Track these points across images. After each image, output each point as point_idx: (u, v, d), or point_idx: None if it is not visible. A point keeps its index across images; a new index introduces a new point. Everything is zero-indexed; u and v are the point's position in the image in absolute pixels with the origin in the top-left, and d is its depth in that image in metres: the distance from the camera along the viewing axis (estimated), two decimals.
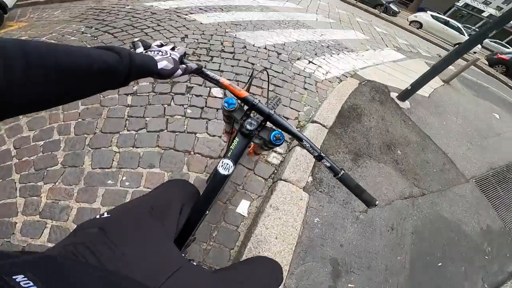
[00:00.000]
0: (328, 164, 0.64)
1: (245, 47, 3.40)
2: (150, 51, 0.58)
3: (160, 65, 0.54)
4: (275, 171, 2.03)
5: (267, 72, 0.97)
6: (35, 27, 3.68)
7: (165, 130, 2.16)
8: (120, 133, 2.05)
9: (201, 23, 3.89)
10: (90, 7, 4.47)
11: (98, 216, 0.59)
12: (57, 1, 5.01)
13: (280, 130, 0.69)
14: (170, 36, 3.35)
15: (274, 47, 3.66)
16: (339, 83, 3.33)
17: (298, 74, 3.18)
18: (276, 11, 5.79)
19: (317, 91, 2.99)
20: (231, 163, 0.69)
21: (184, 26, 3.70)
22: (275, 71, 3.07)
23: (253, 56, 3.23)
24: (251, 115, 0.71)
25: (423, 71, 3.24)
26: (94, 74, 0.40)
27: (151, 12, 4.14)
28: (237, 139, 0.70)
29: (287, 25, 4.91)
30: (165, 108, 2.32)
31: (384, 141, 2.63)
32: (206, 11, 4.54)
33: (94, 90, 0.43)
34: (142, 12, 4.12)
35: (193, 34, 3.50)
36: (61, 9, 4.50)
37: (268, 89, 1.06)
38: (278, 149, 2.18)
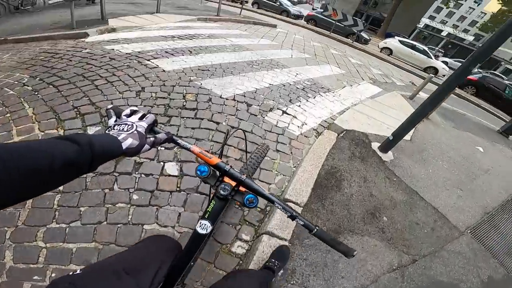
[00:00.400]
0: (302, 223, 0.66)
1: (210, 99, 3.06)
2: (118, 124, 0.57)
3: (125, 144, 0.53)
4: (240, 263, 1.66)
5: (243, 132, 0.96)
6: None
7: (105, 222, 1.75)
8: (48, 226, 1.68)
9: (164, 71, 3.55)
10: (44, 50, 4.07)
11: (71, 273, 0.59)
12: (11, 41, 4.59)
13: (253, 194, 0.70)
14: (124, 90, 2.97)
15: (244, 96, 3.34)
16: (316, 137, 3.03)
17: (270, 132, 2.84)
18: (250, 49, 5.62)
19: (291, 152, 2.66)
20: (208, 224, 0.72)
21: (143, 75, 3.35)
22: (244, 130, 2.71)
23: (219, 112, 2.88)
24: (225, 180, 0.73)
25: (401, 106, 3.02)
26: (56, 171, 0.40)
27: (109, 58, 3.79)
28: (213, 201, 0.73)
29: (260, 66, 4.68)
30: (105, 194, 1.89)
31: (367, 209, 2.30)
32: (172, 54, 4.24)
33: (57, 184, 0.42)
34: (99, 58, 3.76)
35: (152, 85, 3.14)
36: (12, 51, 4.06)
37: (246, 149, 1.03)
38: (243, 235, 1.82)
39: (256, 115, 3.00)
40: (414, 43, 15.15)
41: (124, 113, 0.62)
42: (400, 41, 15.04)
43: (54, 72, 3.30)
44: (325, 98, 4.21)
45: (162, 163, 2.15)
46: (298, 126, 3.10)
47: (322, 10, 16.05)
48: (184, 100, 2.95)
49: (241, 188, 0.72)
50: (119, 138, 0.52)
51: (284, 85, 4.12)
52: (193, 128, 2.51)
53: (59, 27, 5.35)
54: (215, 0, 10.28)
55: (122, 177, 2.00)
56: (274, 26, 10.59)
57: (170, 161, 2.17)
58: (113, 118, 0.60)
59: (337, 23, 13.20)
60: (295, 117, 3.27)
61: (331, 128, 3.26)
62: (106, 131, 0.56)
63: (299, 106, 3.60)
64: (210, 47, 5.09)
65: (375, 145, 3.15)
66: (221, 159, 0.73)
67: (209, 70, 3.84)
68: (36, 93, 2.85)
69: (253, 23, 10.04)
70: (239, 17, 10.13)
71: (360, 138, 3.20)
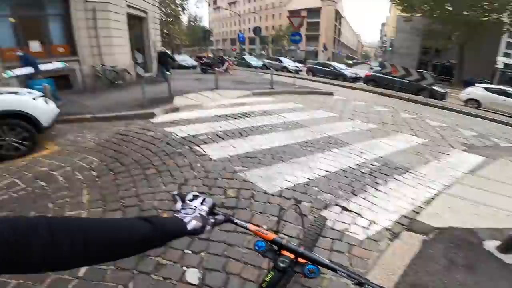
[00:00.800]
0: None
1: (252, 196, 2.83)
2: (183, 208, 0.68)
3: (190, 226, 0.62)
4: None
5: (299, 207, 1.08)
6: (62, 154, 3.73)
7: None
8: None
9: (210, 159, 3.58)
10: (118, 131, 4.64)
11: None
12: (94, 120, 5.45)
13: (313, 264, 0.71)
14: (168, 182, 3.01)
15: (293, 190, 2.99)
16: (390, 240, 2.35)
17: (323, 237, 2.31)
18: (304, 126, 5.31)
19: (350, 264, 2.07)
20: None
21: (189, 165, 3.41)
22: (297, 205, 2.31)
23: (260, 212, 2.59)
24: (284, 253, 0.75)
25: None
26: (133, 244, 0.51)
27: (166, 143, 4.08)
28: (272, 273, 0.74)
29: (315, 147, 4.25)
30: None
31: None
32: (222, 138, 4.35)
33: (132, 253, 0.52)
34: (157, 143, 4.08)
35: (195, 177, 3.12)
36: (96, 131, 4.73)
37: (302, 222, 1.13)
38: None
39: (305, 215, 2.57)
40: (504, 87, 12.49)
41: (187, 198, 0.72)
42: (485, 88, 12.58)
43: (118, 157, 3.64)
44: (402, 182, 3.38)
45: (184, 268, 1.89)
46: (363, 227, 2.47)
47: (380, 69, 15.12)
48: (224, 197, 2.79)
49: (301, 260, 0.74)
50: (185, 220, 0.62)
51: (345, 171, 3.54)
52: (227, 231, 2.23)
53: (136, 105, 6.29)
54: (271, 72, 10.84)
55: (139, 276, 1.82)
56: (331, 93, 10.22)
57: (194, 267, 1.90)
58: (179, 203, 0.70)
59: (400, 79, 12.04)
60: (359, 214, 2.65)
61: (413, 227, 2.50)
62: (174, 215, 0.66)
63: (365, 198, 2.94)
64: (262, 126, 5.13)
65: (491, 245, 2.27)
66: (277, 234, 0.77)
67: (256, 157, 3.72)
68: (98, 180, 3.09)
69: (308, 93, 9.98)
70: (293, 87, 10.31)
71: (463, 238, 2.35)
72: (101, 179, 3.12)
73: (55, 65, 7.30)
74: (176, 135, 4.47)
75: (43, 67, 6.79)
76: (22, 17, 7.94)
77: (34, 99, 3.98)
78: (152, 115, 5.65)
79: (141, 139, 4.28)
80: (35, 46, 8.11)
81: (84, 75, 8.70)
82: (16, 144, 3.61)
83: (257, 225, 0.77)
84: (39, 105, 3.96)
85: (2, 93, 3.71)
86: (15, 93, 3.91)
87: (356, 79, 17.88)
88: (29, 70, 6.40)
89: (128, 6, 10.09)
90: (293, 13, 40.21)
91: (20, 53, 6.79)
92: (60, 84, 8.52)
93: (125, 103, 6.56)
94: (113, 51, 9.17)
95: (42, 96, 4.32)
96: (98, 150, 3.89)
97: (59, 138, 4.40)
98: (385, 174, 3.54)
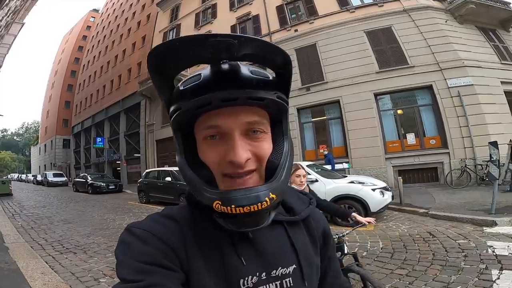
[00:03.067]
0: None
1: None
2: None
3: None
4: None
5: None
6: (367, 233, 4.70)
7: None
8: None
9: None
10: (430, 230, 4.46)
11: None
12: (424, 215, 5.50)
13: None
14: None
15: None
16: None
17: None
18: None
19: None
20: None
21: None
22: None
23: None
24: None
25: None
26: None
27: (464, 255, 3.21)
28: None
29: None
30: None
31: None
32: None
33: None
34: (454, 251, 3.37)
35: None
36: (414, 225, 4.93)
37: None
38: None
39: None
40: None
41: None
42: None
43: (406, 251, 3.69)
44: None
45: None
46: None
47: None
48: None
49: None
50: None
51: None
52: None
53: (483, 209, 5.19)
54: None
55: None
56: None
57: None
58: None
59: None
60: None
61: None
62: None
63: None
64: None
65: None
66: None
67: None
68: (368, 264, 3.52)
69: None
70: None
71: None
72: (372, 264, 3.48)
73: (344, 165, 9.16)
74: (494, 251, 3.28)
75: (336, 166, 8.74)
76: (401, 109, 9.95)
77: (373, 189, 5.40)
78: (492, 223, 4.40)
79: (444, 243, 3.78)
80: (411, 138, 9.59)
81: (452, 169, 8.69)
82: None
83: None
84: (373, 195, 5.28)
85: (353, 182, 5.62)
86: (362, 183, 5.64)
87: None
88: (328, 167, 8.30)
89: (505, 82, 8.47)
90: None
91: (325, 153, 9.39)
92: (427, 176, 9.41)
93: (473, 204, 5.71)
94: (487, 142, 8.17)
95: (383, 188, 5.61)
96: (396, 240, 4.18)
97: (381, 222, 5.31)
98: None
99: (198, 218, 0.48)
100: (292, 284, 0.48)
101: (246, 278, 0.45)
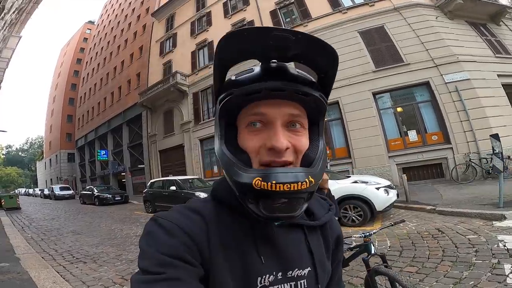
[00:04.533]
0: None
1: None
2: None
3: None
4: None
5: None
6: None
7: None
8: None
9: None
10: (439, 227, 4.43)
11: None
12: (432, 211, 5.46)
13: None
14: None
15: None
16: None
17: None
18: None
19: None
20: None
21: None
22: None
23: None
24: None
25: None
26: None
27: (475, 250, 3.19)
28: None
29: None
30: None
31: None
32: None
33: None
34: (463, 247, 3.34)
35: None
36: (422, 222, 4.89)
37: None
38: None
39: None
40: None
41: None
42: None
43: (415, 249, 3.67)
44: None
45: None
46: None
47: None
48: None
49: None
50: None
51: None
52: None
53: (491, 203, 5.14)
54: None
55: None
56: None
57: None
58: None
59: None
60: None
61: None
62: None
63: None
64: None
65: None
66: None
67: None
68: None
69: None
70: None
71: None
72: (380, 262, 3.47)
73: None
74: (505, 245, 3.25)
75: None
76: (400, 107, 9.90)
77: (377, 188, 5.38)
78: (501, 217, 4.36)
79: (453, 239, 3.75)
80: (412, 135, 9.56)
81: (456, 164, 8.63)
82: (354, 217, 5.19)
83: None
84: (377, 194, 5.26)
85: (356, 182, 5.61)
86: (366, 182, 5.62)
87: None
88: None
89: (502, 75, 8.44)
90: None
91: None
92: (432, 173, 9.36)
93: (481, 199, 5.66)
94: (489, 134, 8.14)
95: (387, 186, 5.59)
96: (404, 238, 4.15)
97: (388, 220, 5.28)
98: None
99: (221, 213, 0.49)
100: (306, 286, 0.49)
101: (264, 277, 0.46)
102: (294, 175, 0.40)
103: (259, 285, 0.45)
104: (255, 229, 0.47)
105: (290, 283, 0.48)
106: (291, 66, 0.47)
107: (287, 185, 0.39)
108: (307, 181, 0.41)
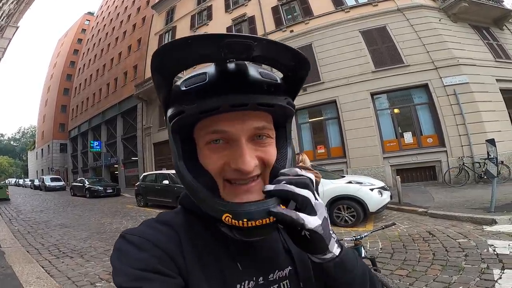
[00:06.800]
0: None
1: None
2: None
3: None
4: None
5: None
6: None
7: None
8: None
9: None
10: (430, 230, 4.43)
11: None
12: (424, 214, 5.47)
13: None
14: None
15: None
16: None
17: None
18: None
19: None
20: None
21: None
22: None
23: None
24: None
25: None
26: None
27: (465, 255, 3.19)
28: None
29: None
30: None
31: None
32: None
33: None
34: (454, 251, 3.34)
35: None
36: (413, 224, 4.91)
37: None
38: None
39: None
40: None
41: None
42: None
43: (406, 251, 3.66)
44: None
45: None
46: None
47: None
48: None
49: None
50: None
51: None
52: None
53: (482, 207, 5.17)
54: None
55: None
56: None
57: None
58: None
59: None
60: None
61: None
62: None
63: None
64: None
65: None
66: None
67: None
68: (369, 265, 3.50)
69: None
70: None
71: None
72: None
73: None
74: (494, 250, 3.25)
75: None
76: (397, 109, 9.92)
77: (371, 189, 5.36)
78: (492, 222, 4.38)
79: (444, 242, 3.75)
80: (408, 137, 9.60)
81: (450, 167, 8.68)
82: (347, 218, 5.17)
83: None
84: (371, 195, 5.24)
85: (351, 182, 5.58)
86: (360, 183, 5.60)
87: None
88: None
89: (500, 80, 8.51)
90: None
91: None
92: (425, 175, 9.42)
93: (472, 203, 5.70)
94: (484, 139, 8.21)
95: (381, 187, 5.58)
96: (395, 240, 4.15)
97: (381, 221, 5.27)
98: None
99: (193, 223, 0.47)
100: (289, 287, 0.47)
101: (243, 283, 0.44)
102: (267, 210, 0.37)
103: None
104: (228, 236, 0.43)
105: (273, 286, 0.46)
106: (250, 64, 0.40)
107: (259, 221, 0.37)
108: (279, 209, 0.38)
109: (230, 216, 0.37)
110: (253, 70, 0.40)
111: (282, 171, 0.42)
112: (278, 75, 0.42)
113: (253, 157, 0.40)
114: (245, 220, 0.37)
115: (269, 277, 0.46)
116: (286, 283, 0.47)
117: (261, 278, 0.46)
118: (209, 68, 0.40)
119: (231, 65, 0.39)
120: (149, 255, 0.40)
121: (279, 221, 0.38)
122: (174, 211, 0.51)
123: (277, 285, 0.46)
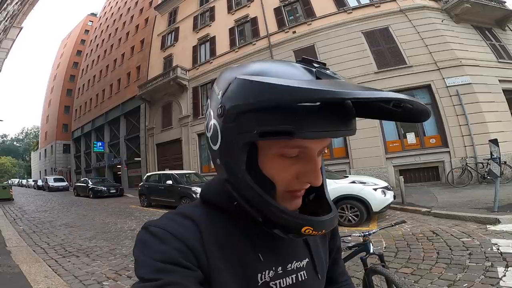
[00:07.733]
0: None
1: None
2: None
3: None
4: None
5: None
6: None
7: None
8: None
9: None
10: (433, 229, 4.45)
11: None
12: (427, 214, 5.49)
13: None
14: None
15: None
16: None
17: None
18: None
19: None
20: None
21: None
22: None
23: None
24: None
25: None
26: None
27: (469, 253, 3.21)
28: None
29: None
30: None
31: None
32: None
33: None
34: (457, 249, 3.36)
35: None
36: (416, 223, 4.92)
37: None
38: None
39: None
40: None
41: None
42: None
43: (410, 250, 3.68)
44: None
45: None
46: None
47: None
48: None
49: None
50: None
51: None
52: None
53: (485, 207, 5.18)
54: None
55: None
56: None
57: None
58: None
59: None
60: None
61: None
62: None
63: None
64: None
65: None
66: None
67: None
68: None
69: None
70: None
71: None
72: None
73: None
74: (498, 248, 3.28)
75: None
76: None
77: (374, 189, 5.38)
78: (495, 221, 4.39)
79: (448, 241, 3.77)
80: (411, 137, 9.61)
81: (453, 167, 8.68)
82: (350, 217, 5.20)
83: None
84: (374, 194, 5.26)
85: (354, 182, 5.61)
86: (364, 183, 5.63)
87: None
88: None
89: (503, 81, 8.49)
90: None
91: None
92: (428, 175, 9.41)
93: (476, 203, 5.71)
94: (487, 140, 8.20)
95: (384, 187, 5.59)
96: (399, 239, 4.17)
97: (384, 221, 5.29)
98: None
99: (213, 216, 0.48)
100: (306, 277, 0.50)
101: (264, 273, 0.46)
102: (333, 221, 0.44)
103: (260, 282, 0.45)
104: (250, 228, 0.47)
105: (291, 276, 0.48)
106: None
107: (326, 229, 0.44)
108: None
109: (311, 228, 0.40)
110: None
111: None
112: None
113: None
114: (323, 230, 0.43)
115: (287, 267, 0.48)
116: (304, 273, 0.50)
117: (280, 268, 0.48)
118: (303, 77, 0.38)
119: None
120: (171, 247, 0.41)
121: None
122: (193, 204, 0.52)
123: (294, 275, 0.49)
